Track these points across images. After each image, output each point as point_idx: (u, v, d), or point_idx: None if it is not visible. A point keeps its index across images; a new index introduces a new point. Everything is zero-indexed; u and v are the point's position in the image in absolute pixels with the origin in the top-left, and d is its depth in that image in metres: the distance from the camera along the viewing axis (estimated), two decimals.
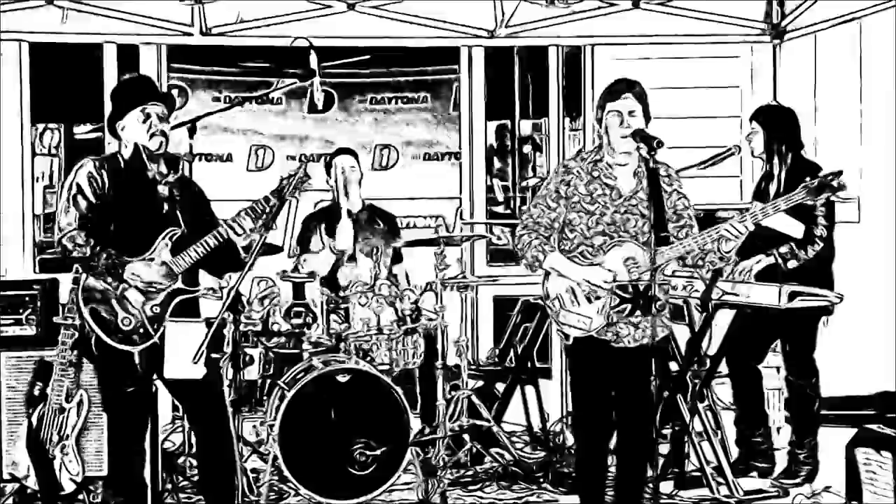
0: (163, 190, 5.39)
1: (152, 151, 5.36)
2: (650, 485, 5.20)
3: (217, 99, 8.71)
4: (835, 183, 4.90)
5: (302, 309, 6.22)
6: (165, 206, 5.37)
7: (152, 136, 5.34)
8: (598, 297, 4.97)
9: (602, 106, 5.07)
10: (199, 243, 5.25)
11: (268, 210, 5.19)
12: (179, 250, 5.28)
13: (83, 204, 5.29)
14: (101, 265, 5.23)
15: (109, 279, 5.25)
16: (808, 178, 4.99)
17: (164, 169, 5.42)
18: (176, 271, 5.27)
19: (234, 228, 5.19)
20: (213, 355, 4.78)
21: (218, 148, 8.77)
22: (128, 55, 8.27)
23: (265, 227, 5.02)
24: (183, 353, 4.95)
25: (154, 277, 5.24)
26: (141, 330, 5.23)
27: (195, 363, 4.74)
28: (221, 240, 5.22)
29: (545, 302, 5.13)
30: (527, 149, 9.50)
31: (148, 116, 5.35)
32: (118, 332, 5.22)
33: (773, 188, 6.49)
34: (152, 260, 5.26)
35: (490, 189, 9.06)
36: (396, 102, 8.93)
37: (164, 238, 5.29)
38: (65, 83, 8.58)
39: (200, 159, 8.55)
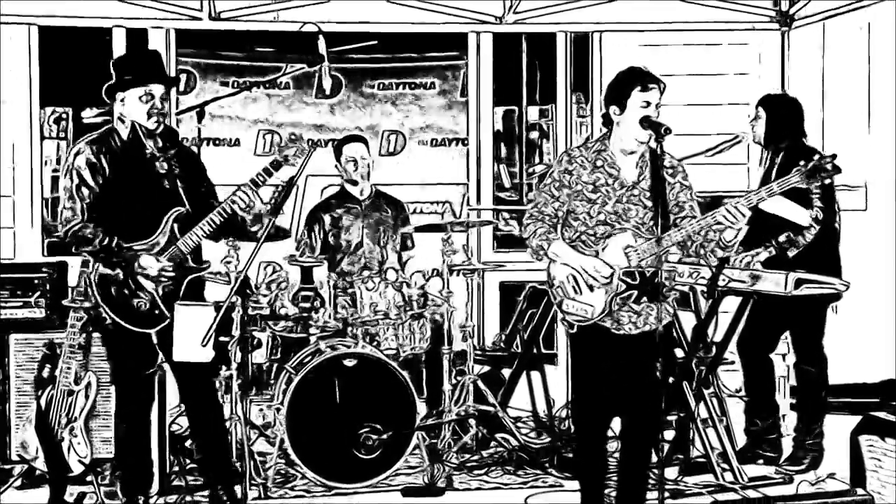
0: (162, 166, 5.39)
1: (150, 130, 5.38)
2: (654, 471, 5.22)
3: (225, 84, 8.71)
4: (828, 166, 4.90)
5: (310, 293, 6.24)
6: (167, 183, 5.38)
7: (151, 116, 5.36)
8: (601, 288, 4.98)
9: (627, 93, 4.98)
10: (206, 221, 5.29)
11: (267, 181, 5.23)
12: (185, 228, 5.31)
13: (86, 192, 5.31)
14: (113, 259, 5.25)
15: (119, 270, 5.28)
16: (802, 162, 4.97)
17: (160, 143, 5.43)
18: (185, 251, 5.30)
19: (237, 203, 5.22)
20: (222, 339, 4.80)
21: (225, 132, 8.78)
22: (137, 39, 8.28)
23: (273, 212, 5.03)
24: (191, 336, 4.98)
25: (164, 265, 5.27)
26: (156, 311, 5.26)
27: (204, 346, 4.77)
28: (226, 216, 5.25)
29: (550, 289, 5.14)
30: (534, 135, 9.50)
31: (151, 97, 5.36)
32: (133, 315, 5.26)
33: (773, 174, 6.50)
34: (158, 244, 5.29)
35: (497, 175, 9.06)
36: (404, 88, 8.93)
37: (169, 218, 5.30)
38: (74, 67, 8.59)
39: (208, 143, 8.57)
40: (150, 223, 5.33)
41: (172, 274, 5.26)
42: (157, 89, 5.37)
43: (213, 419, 5.35)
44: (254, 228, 5.47)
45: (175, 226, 5.33)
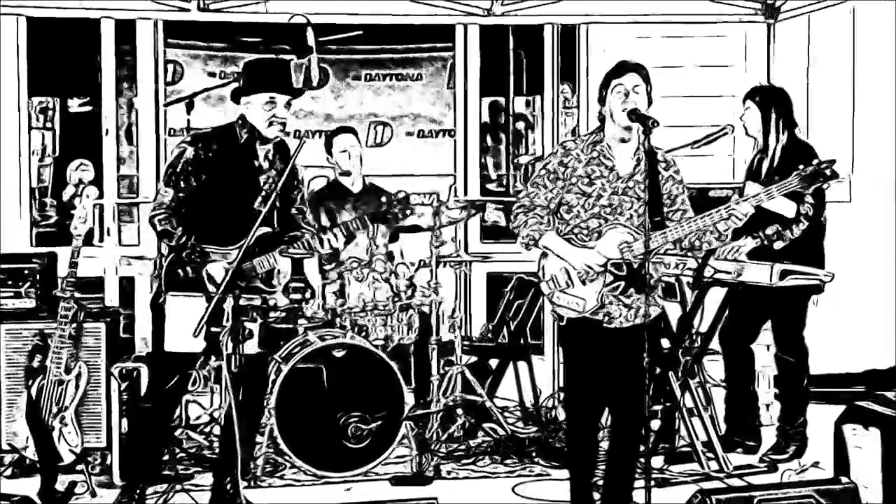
0: (265, 180, 5.40)
1: (267, 138, 5.40)
2: (641, 460, 5.26)
3: (212, 74, 8.71)
4: (828, 171, 4.95)
5: (301, 284, 6.29)
6: (260, 198, 5.37)
7: (272, 124, 5.37)
8: (592, 280, 5.01)
9: (606, 83, 5.06)
10: (284, 252, 5.32)
11: (359, 229, 5.30)
12: (265, 248, 5.32)
13: (184, 185, 5.32)
14: (184, 257, 5.27)
15: (188, 267, 5.29)
16: (801, 166, 5.02)
17: (270, 156, 5.45)
18: (258, 270, 5.31)
19: (322, 242, 5.24)
20: (213, 329, 4.83)
21: (214, 122, 8.77)
22: (125, 30, 8.28)
23: (263, 203, 5.05)
24: (183, 326, 5.01)
25: (227, 279, 5.25)
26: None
27: (195, 336, 4.80)
28: (307, 249, 5.28)
29: (540, 282, 5.16)
30: (520, 125, 9.53)
31: (273, 105, 5.37)
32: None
33: (765, 166, 6.56)
34: (228, 256, 5.30)
35: (484, 166, 9.09)
36: (391, 79, 8.95)
37: (253, 236, 5.18)
38: (62, 58, 8.59)
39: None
40: (234, 232, 5.28)
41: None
42: (281, 98, 5.37)
43: (254, 414, 5.34)
44: (328, 267, 5.51)
45: (256, 244, 5.27)
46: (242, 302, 4.96)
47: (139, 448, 5.64)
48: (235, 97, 5.48)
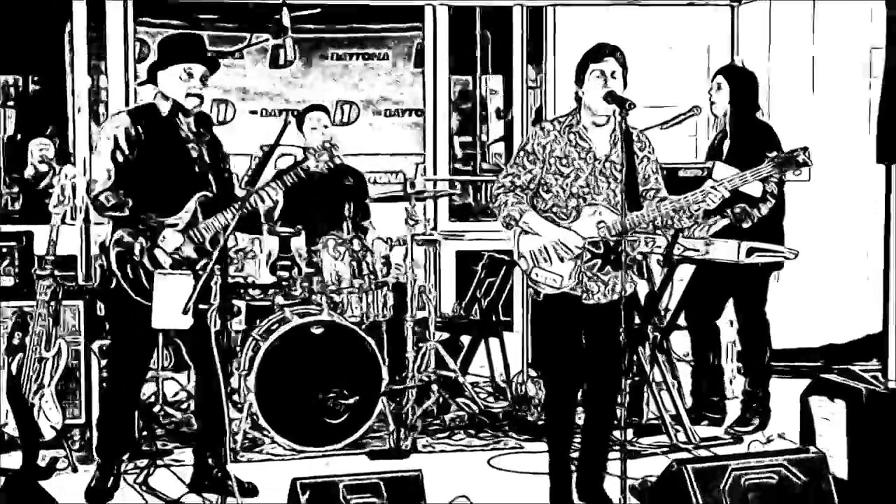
0: (194, 149, 5.47)
1: (187, 110, 5.46)
2: (615, 433, 5.39)
3: None
4: (800, 158, 5.07)
5: (287, 262, 6.36)
6: (197, 166, 5.45)
7: (189, 95, 5.43)
8: (570, 259, 5.11)
9: (584, 67, 5.10)
10: (229, 210, 5.31)
11: (296, 182, 5.35)
12: (208, 213, 5.37)
13: (120, 158, 5.34)
14: (139, 227, 5.31)
15: (142, 238, 5.34)
16: (775, 153, 5.13)
17: (194, 127, 5.50)
18: (206, 235, 5.36)
19: (262, 198, 5.29)
20: (201, 306, 4.89)
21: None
22: (96, 10, 8.26)
23: (251, 182, 5.11)
24: (171, 304, 5.08)
25: (183, 242, 5.33)
26: None
27: (185, 314, 4.87)
28: (250, 209, 5.32)
29: (519, 258, 5.24)
30: (491, 107, 9.61)
31: (190, 76, 5.42)
32: (143, 286, 5.33)
33: (726, 145, 6.71)
34: (179, 223, 5.35)
35: (452, 145, 9.17)
36: (358, 59, 9.00)
37: (195, 200, 5.36)
38: (26, 35, 8.56)
39: None
40: (175, 203, 5.38)
41: (188, 255, 5.32)
42: (197, 69, 5.43)
43: (216, 385, 5.38)
44: (266, 226, 5.59)
45: (199, 209, 5.37)
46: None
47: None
48: (152, 73, 5.52)
